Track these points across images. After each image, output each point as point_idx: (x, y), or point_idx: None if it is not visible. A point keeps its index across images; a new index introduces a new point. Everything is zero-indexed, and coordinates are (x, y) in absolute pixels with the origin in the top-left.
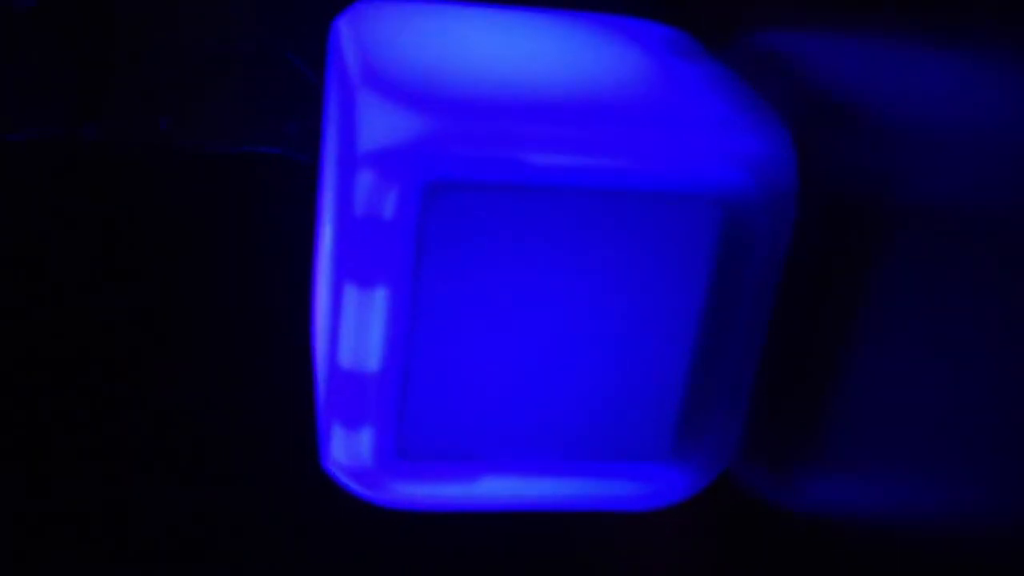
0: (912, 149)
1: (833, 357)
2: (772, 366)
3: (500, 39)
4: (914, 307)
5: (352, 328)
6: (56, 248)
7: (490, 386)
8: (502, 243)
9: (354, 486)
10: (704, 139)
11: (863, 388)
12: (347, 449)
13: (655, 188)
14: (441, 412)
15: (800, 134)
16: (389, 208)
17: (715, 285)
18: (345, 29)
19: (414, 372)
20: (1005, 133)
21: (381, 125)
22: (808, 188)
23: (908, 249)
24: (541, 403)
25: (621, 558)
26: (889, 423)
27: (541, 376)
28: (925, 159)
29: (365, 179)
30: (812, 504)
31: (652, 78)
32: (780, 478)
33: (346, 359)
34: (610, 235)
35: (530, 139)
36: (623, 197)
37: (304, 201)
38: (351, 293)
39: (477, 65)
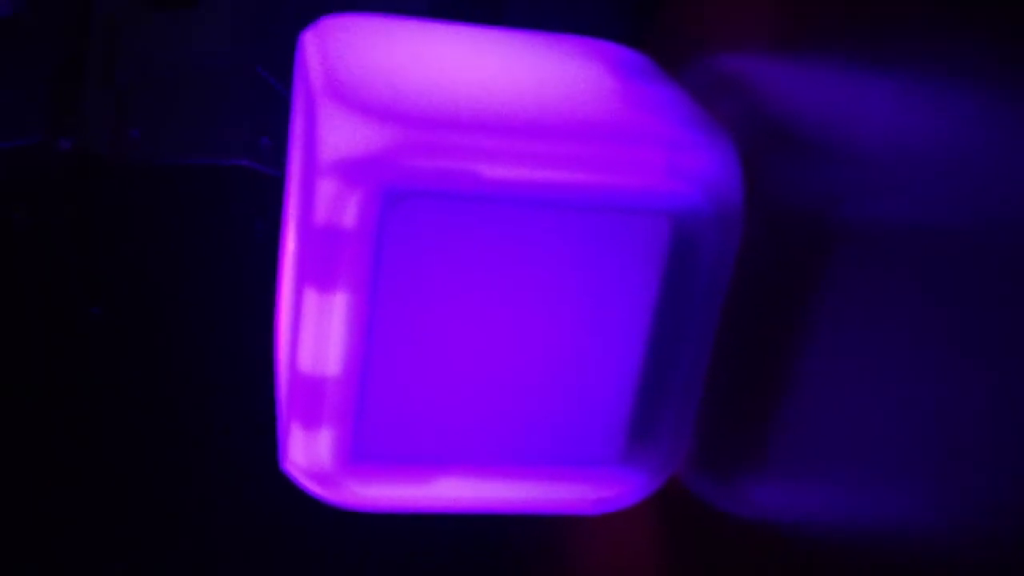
0: (853, 170)
1: (778, 367)
2: (720, 375)
3: (463, 56)
4: (855, 318)
5: (312, 332)
6: (28, 254)
7: (445, 391)
8: (459, 252)
9: (312, 487)
10: (656, 156)
11: (807, 397)
12: (305, 450)
13: (608, 203)
14: (397, 415)
15: (748, 153)
16: (349, 216)
17: (665, 296)
18: (311, 43)
19: (372, 376)
20: (939, 155)
21: (343, 136)
22: (754, 205)
23: (849, 263)
24: (495, 408)
25: (571, 560)
26: (831, 431)
27: (495, 381)
28: (865, 179)
29: (326, 188)
30: (757, 508)
31: (609, 97)
32: (727, 483)
33: (306, 363)
34: (563, 246)
35: (487, 152)
36: (577, 211)
37: (274, 212)
38: (311, 298)
39: (438, 80)
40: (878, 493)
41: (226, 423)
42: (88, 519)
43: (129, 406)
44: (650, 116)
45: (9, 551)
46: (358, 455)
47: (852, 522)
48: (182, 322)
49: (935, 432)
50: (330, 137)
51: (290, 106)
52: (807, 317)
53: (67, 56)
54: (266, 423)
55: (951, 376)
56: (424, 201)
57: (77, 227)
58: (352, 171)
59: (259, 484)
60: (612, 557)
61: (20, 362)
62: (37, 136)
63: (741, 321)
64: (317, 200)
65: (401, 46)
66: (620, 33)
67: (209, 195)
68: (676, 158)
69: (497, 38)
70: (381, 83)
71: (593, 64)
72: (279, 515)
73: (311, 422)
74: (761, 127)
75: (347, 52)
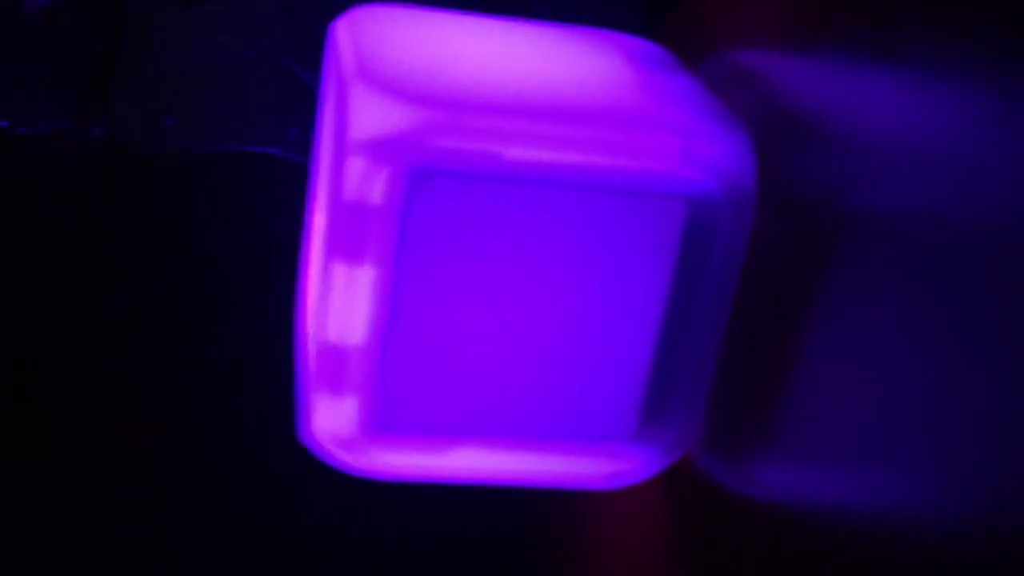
0: (862, 161)
1: (789, 350)
2: (732, 358)
3: (489, 44)
4: (863, 304)
5: (339, 304)
6: (60, 238)
7: (464, 364)
8: (481, 230)
9: (335, 452)
10: (672, 143)
11: (816, 380)
12: (329, 417)
13: (625, 186)
14: (418, 386)
15: (761, 143)
16: (377, 193)
17: (679, 277)
18: (342, 31)
19: (394, 347)
20: (947, 147)
21: (372, 116)
22: (767, 192)
23: (858, 251)
24: (512, 383)
25: (582, 535)
26: (841, 414)
27: (513, 357)
28: (874, 170)
29: (355, 165)
30: (766, 489)
31: (628, 86)
32: (737, 463)
33: (332, 333)
34: (582, 227)
35: (510, 134)
36: (595, 193)
37: (300, 199)
38: (339, 271)
39: (465, 66)
40: (886, 476)
41: (248, 404)
42: (104, 498)
43: (151, 392)
44: (667, 104)
45: (27, 537)
46: (380, 423)
47: (861, 504)
48: (207, 307)
49: (942, 415)
50: (360, 117)
51: (317, 97)
52: (816, 302)
53: (100, 45)
54: (286, 404)
55: (958, 361)
56: (449, 180)
57: (106, 213)
58: (380, 150)
59: (275, 455)
60: (622, 533)
61: (42, 349)
62: (69, 122)
63: (752, 305)
64: (346, 177)
65: (429, 34)
66: (639, 26)
67: (237, 182)
68: (692, 145)
69: (521, 29)
70: (409, 67)
71: (613, 55)
72: (295, 489)
73: (336, 390)
74: (774, 118)
75: (377, 39)
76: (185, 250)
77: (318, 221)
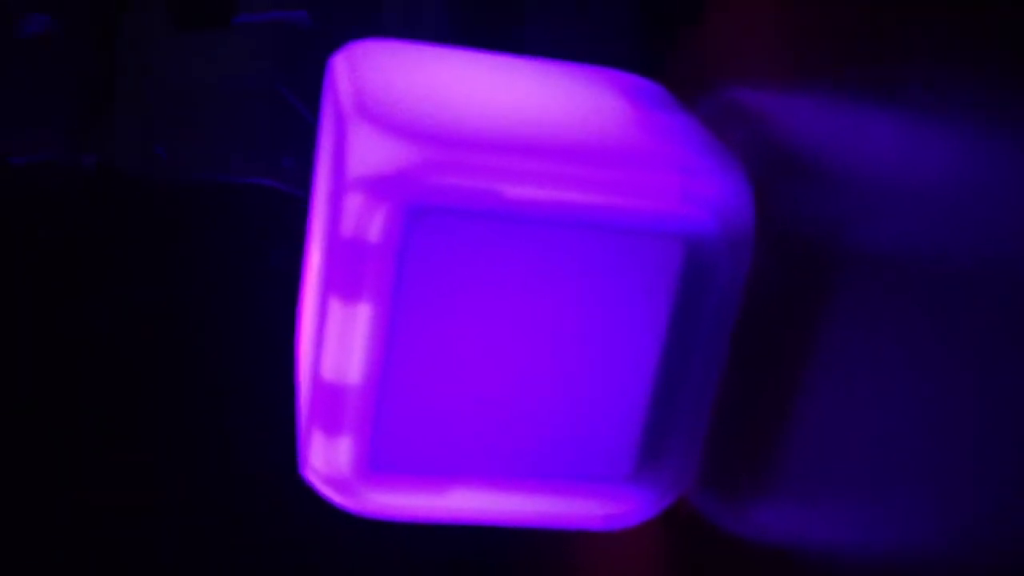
0: (858, 198)
1: (786, 389)
2: (729, 396)
3: (487, 81)
4: (861, 341)
5: (335, 342)
6: (50, 269)
7: (461, 404)
8: (478, 268)
9: (329, 493)
10: (671, 182)
11: (814, 419)
12: (325, 457)
13: (624, 224)
14: (414, 426)
15: (758, 180)
16: (375, 230)
17: (676, 317)
18: (341, 66)
19: (391, 386)
20: (944, 182)
21: (371, 153)
22: (763, 230)
23: (855, 287)
24: (510, 423)
25: (578, 574)
26: (839, 453)
27: (510, 396)
28: (870, 208)
29: (354, 202)
30: (763, 529)
31: (626, 124)
32: (734, 503)
33: (328, 371)
34: (580, 265)
35: (507, 172)
36: (594, 231)
37: (294, 230)
38: (336, 308)
39: (463, 103)
40: (885, 516)
41: (243, 434)
42: (107, 526)
43: (148, 418)
44: (665, 142)
45: (30, 554)
46: (375, 463)
47: (858, 545)
48: (202, 335)
49: (942, 456)
50: (359, 154)
51: (311, 128)
52: (814, 339)
53: (95, 73)
54: (284, 435)
55: (957, 399)
56: (446, 217)
57: (98, 241)
58: (378, 187)
59: (279, 492)
60: (618, 572)
61: (32, 376)
62: (61, 151)
63: (750, 343)
64: (344, 214)
65: (427, 70)
66: (636, 64)
67: (231, 212)
68: (690, 183)
69: (519, 65)
70: (408, 104)
71: (610, 92)
72: (297, 520)
73: (332, 429)
74: (770, 155)
75: (376, 75)
76: (178, 278)
77: (316, 257)
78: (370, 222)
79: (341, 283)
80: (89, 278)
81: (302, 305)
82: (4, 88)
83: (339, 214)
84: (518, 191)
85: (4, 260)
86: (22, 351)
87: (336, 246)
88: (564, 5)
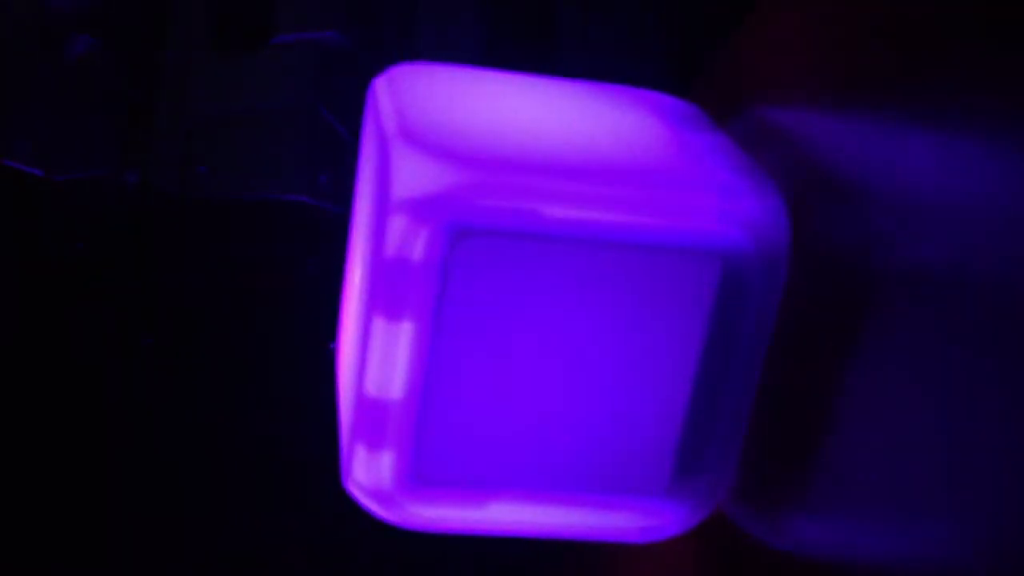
0: (896, 217)
1: (821, 407)
2: (764, 412)
3: (525, 103)
4: (896, 359)
5: (378, 359)
6: (92, 284)
7: (502, 419)
8: (519, 287)
9: (372, 506)
10: (706, 200)
11: (849, 435)
12: (368, 470)
13: (660, 243)
14: (455, 440)
15: (793, 200)
16: (418, 250)
17: (713, 334)
18: (382, 88)
19: (433, 401)
20: (985, 203)
21: (414, 175)
22: (799, 248)
23: (889, 307)
24: (549, 437)
25: None
26: (873, 469)
27: (550, 411)
28: (905, 227)
29: (397, 224)
30: (798, 542)
31: (662, 144)
32: (770, 517)
33: (372, 387)
34: (618, 284)
35: (548, 193)
36: (631, 250)
37: (330, 245)
38: (379, 326)
39: (502, 125)
40: (924, 532)
41: (283, 446)
42: (147, 542)
43: (185, 432)
44: (701, 162)
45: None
46: (417, 477)
47: (897, 559)
48: (244, 347)
49: (979, 472)
50: (402, 176)
51: (346, 145)
52: (850, 357)
53: (137, 93)
54: (326, 448)
55: (994, 418)
56: (488, 238)
57: (138, 258)
58: (422, 208)
59: (324, 502)
60: None
61: (74, 390)
62: (104, 169)
63: (785, 359)
64: (388, 235)
65: (467, 92)
66: (669, 85)
67: (269, 229)
68: (726, 202)
69: (555, 87)
70: (450, 127)
71: (645, 112)
72: (342, 531)
73: (374, 444)
74: (804, 174)
75: (417, 97)
76: (219, 296)
77: (357, 275)
78: (413, 243)
79: (384, 302)
80: (130, 292)
81: (342, 322)
82: (48, 108)
83: (383, 235)
84: (557, 211)
85: (47, 276)
86: (63, 362)
87: (380, 266)
88: (597, 28)
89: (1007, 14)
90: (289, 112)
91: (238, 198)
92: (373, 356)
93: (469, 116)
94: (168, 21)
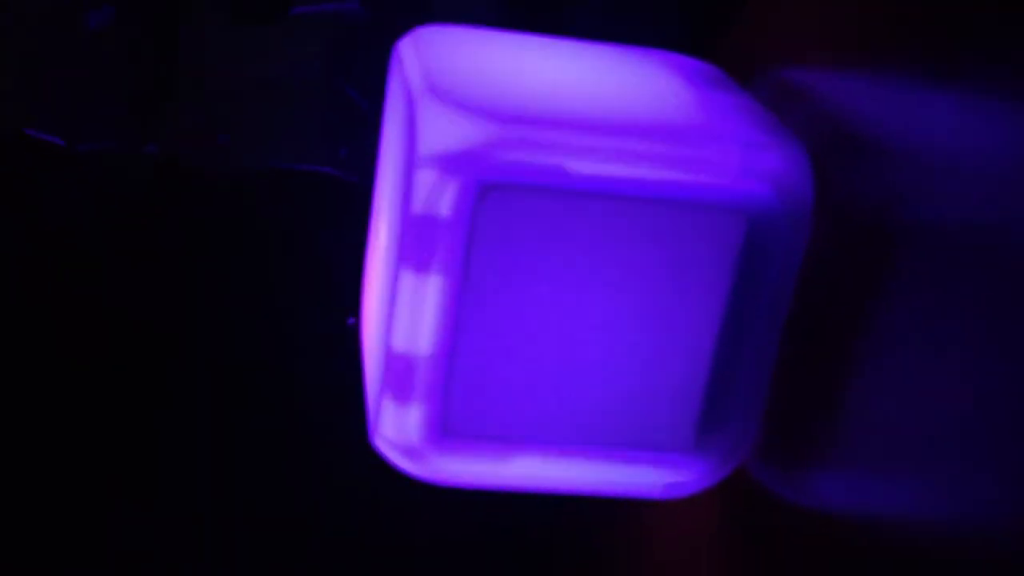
0: (914, 173)
1: (843, 362)
2: (786, 369)
3: (549, 62)
4: (917, 314)
5: (407, 313)
6: (116, 253)
7: (527, 373)
8: (545, 241)
9: (400, 460)
10: (731, 156)
11: (870, 391)
12: (396, 425)
13: (686, 198)
14: (482, 395)
15: (816, 157)
16: (445, 205)
17: (737, 289)
18: (407, 50)
19: (460, 356)
20: (1004, 159)
21: (441, 131)
22: (822, 204)
23: (910, 262)
24: (573, 392)
25: (639, 542)
26: (895, 424)
27: (574, 367)
28: (925, 183)
29: (425, 178)
30: (820, 498)
31: (685, 102)
32: (792, 474)
33: (400, 341)
34: (643, 239)
35: (573, 149)
36: (656, 205)
37: (350, 214)
38: (408, 280)
39: (528, 83)
40: (945, 486)
41: (308, 407)
42: (176, 504)
43: (212, 402)
44: (724, 119)
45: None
46: (445, 431)
47: (918, 514)
48: (266, 316)
49: (997, 425)
50: (429, 132)
51: (366, 117)
52: (871, 313)
53: (157, 65)
54: (349, 409)
55: (1013, 370)
56: (514, 193)
57: (161, 228)
58: (449, 163)
59: (349, 461)
60: (676, 540)
61: (94, 356)
62: (125, 140)
63: (808, 315)
64: (416, 190)
65: (491, 52)
66: (688, 46)
67: (291, 198)
68: (750, 158)
69: (577, 48)
70: (475, 84)
71: (669, 72)
72: (364, 485)
73: (403, 398)
74: (827, 132)
75: (442, 57)
76: (238, 265)
77: (383, 233)
78: (441, 197)
79: (413, 255)
80: (151, 262)
81: (366, 286)
82: (70, 79)
83: (410, 190)
84: (582, 166)
85: (70, 245)
86: (87, 335)
87: (408, 221)
88: None
89: None
90: (308, 84)
91: (260, 169)
92: (401, 310)
93: (494, 75)
94: None
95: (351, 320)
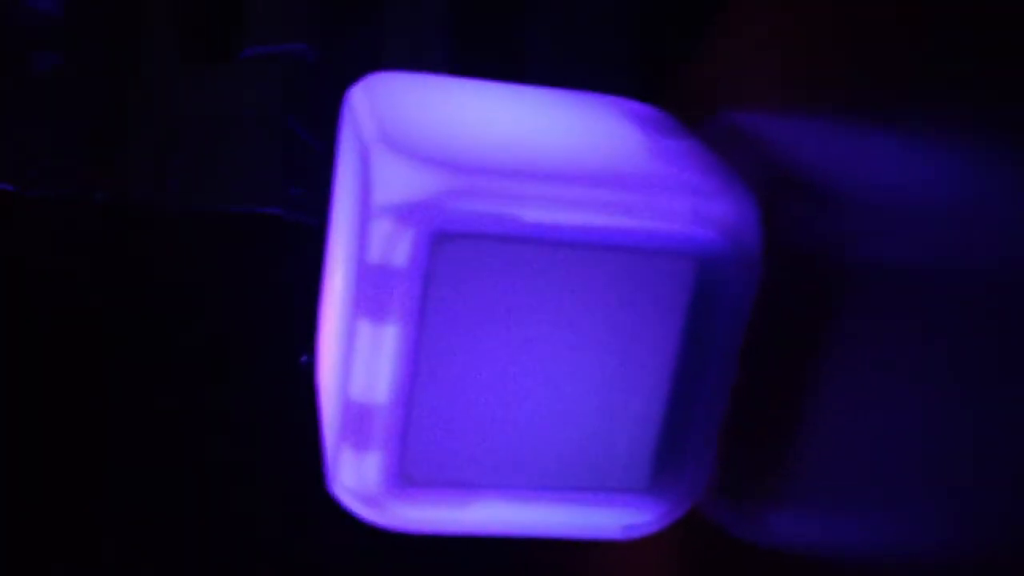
0: (862, 215)
1: (793, 402)
2: (739, 409)
3: (501, 109)
4: (866, 352)
5: (364, 362)
6: (64, 299)
7: (485, 419)
8: (500, 289)
9: (359, 508)
10: (681, 203)
11: (821, 429)
12: (355, 472)
13: (637, 245)
14: (440, 442)
15: (765, 200)
16: (401, 255)
17: (689, 332)
18: (358, 98)
19: (418, 404)
20: (942, 202)
21: (395, 182)
22: (772, 246)
23: (859, 302)
24: (531, 437)
25: None
26: (846, 462)
27: (531, 412)
28: (873, 224)
29: (381, 229)
30: (775, 536)
31: (635, 148)
32: (744, 512)
33: (357, 390)
34: (596, 285)
35: (526, 198)
36: (608, 252)
37: (304, 256)
38: (364, 330)
39: (480, 131)
40: (896, 523)
41: (264, 457)
42: (134, 547)
43: (168, 440)
44: (674, 166)
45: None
46: (404, 478)
47: (870, 551)
48: (217, 360)
49: (948, 461)
50: (383, 183)
51: (318, 157)
52: (821, 353)
53: (106, 107)
54: (306, 455)
55: (961, 407)
56: (469, 242)
57: (112, 274)
58: (404, 214)
59: (305, 510)
60: None
61: (47, 400)
62: (73, 186)
63: (759, 356)
64: (371, 240)
65: (443, 100)
66: (637, 91)
67: (241, 242)
68: (700, 205)
69: (528, 94)
70: (428, 133)
71: (619, 118)
72: (323, 536)
73: (362, 446)
74: (774, 176)
75: (395, 105)
76: (192, 309)
77: (337, 282)
78: (396, 247)
79: (369, 306)
80: (104, 308)
81: (321, 330)
82: (18, 124)
83: (366, 241)
84: (536, 215)
85: (21, 292)
86: (33, 379)
87: (364, 271)
88: (565, 37)
89: (964, 21)
90: (259, 125)
91: (208, 212)
92: (359, 360)
93: (446, 122)
94: (137, 35)
95: (304, 358)
